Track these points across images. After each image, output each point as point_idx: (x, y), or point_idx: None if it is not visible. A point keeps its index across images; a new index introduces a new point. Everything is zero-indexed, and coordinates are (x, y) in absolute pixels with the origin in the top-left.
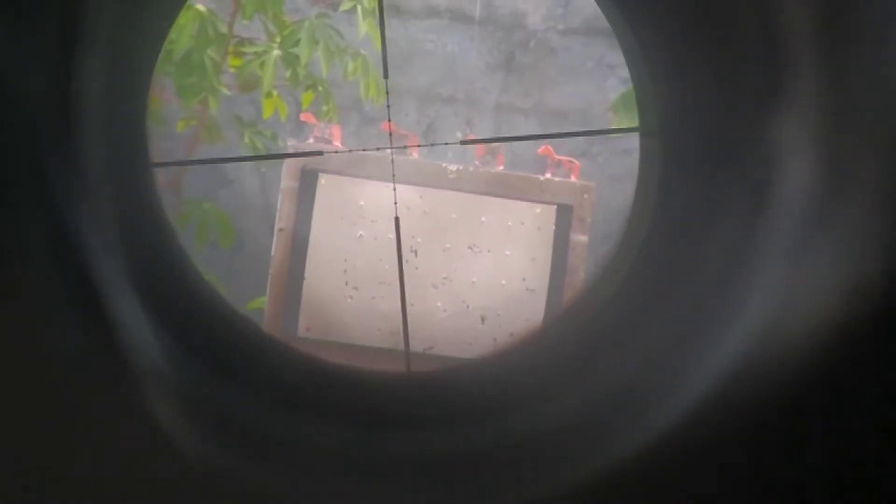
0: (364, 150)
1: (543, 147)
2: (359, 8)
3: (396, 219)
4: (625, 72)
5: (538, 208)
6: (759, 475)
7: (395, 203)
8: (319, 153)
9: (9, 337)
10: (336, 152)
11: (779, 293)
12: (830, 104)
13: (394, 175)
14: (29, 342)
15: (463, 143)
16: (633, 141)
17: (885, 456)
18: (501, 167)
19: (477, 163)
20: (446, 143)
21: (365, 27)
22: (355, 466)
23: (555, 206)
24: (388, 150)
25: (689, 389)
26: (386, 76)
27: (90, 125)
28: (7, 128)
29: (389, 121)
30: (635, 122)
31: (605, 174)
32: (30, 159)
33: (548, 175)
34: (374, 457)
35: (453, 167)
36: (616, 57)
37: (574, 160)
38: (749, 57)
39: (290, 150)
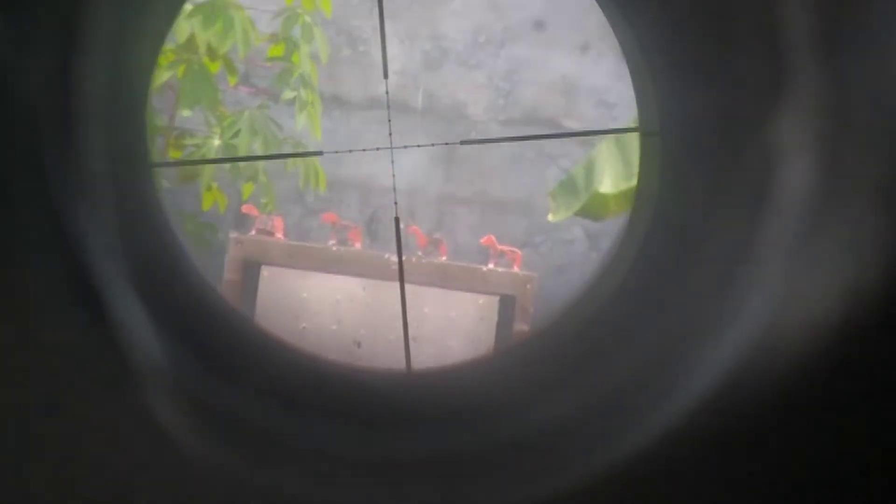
0: (364, 150)
1: (486, 237)
2: (298, 99)
3: (396, 219)
4: (566, 162)
5: (481, 299)
6: (759, 476)
7: (396, 203)
8: (320, 153)
9: (8, 337)
10: (344, 152)
11: (779, 293)
12: (831, 104)
13: (393, 176)
14: (28, 342)
15: (463, 142)
16: (576, 231)
17: (886, 456)
18: (444, 258)
19: (420, 253)
20: (446, 143)
21: (303, 118)
22: (355, 466)
23: (497, 297)
24: (330, 242)
25: (688, 389)
26: (386, 76)
27: (90, 125)
28: (7, 128)
29: (389, 121)
30: (571, 210)
31: (548, 264)
32: (30, 159)
33: (490, 265)
34: (374, 457)
35: (395, 258)
36: (556, 147)
37: (516, 250)
38: (749, 57)
39: (233, 241)
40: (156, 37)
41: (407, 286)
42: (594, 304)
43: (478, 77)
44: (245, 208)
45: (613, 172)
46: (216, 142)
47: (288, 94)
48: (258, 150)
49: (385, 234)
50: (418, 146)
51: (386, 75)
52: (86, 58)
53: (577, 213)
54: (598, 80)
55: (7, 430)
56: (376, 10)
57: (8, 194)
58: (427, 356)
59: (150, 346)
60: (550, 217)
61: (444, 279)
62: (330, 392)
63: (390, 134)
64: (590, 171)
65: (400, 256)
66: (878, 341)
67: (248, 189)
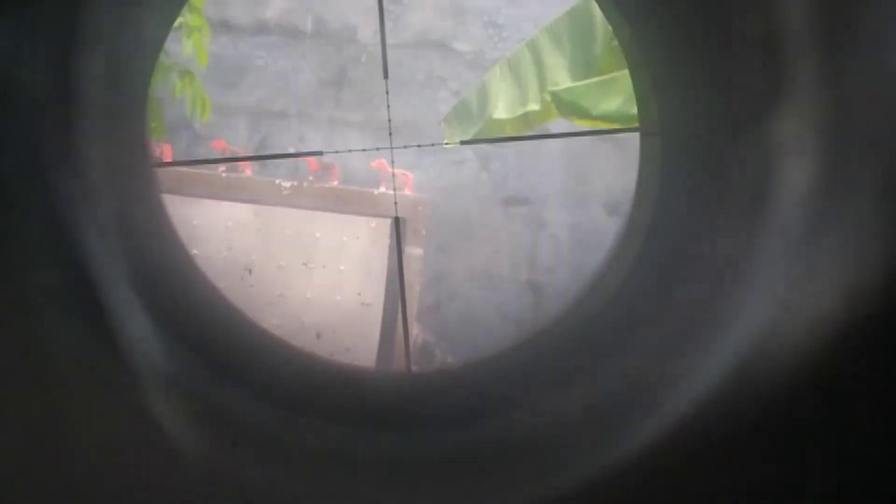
0: (364, 150)
1: (377, 161)
2: (183, 25)
3: (396, 219)
4: (456, 84)
5: (373, 222)
6: (760, 475)
7: (396, 203)
8: (320, 153)
9: (8, 337)
10: (344, 152)
11: (779, 293)
12: (830, 104)
13: (394, 176)
14: (29, 342)
15: (463, 143)
16: (466, 152)
17: (886, 455)
18: (336, 182)
19: (311, 178)
20: (445, 144)
21: (190, 45)
22: (355, 466)
23: (389, 220)
24: (220, 168)
25: (689, 389)
26: (386, 76)
27: (90, 125)
28: (7, 128)
29: (389, 120)
30: (466, 135)
31: (438, 186)
32: (30, 159)
33: (382, 189)
34: (375, 457)
35: (287, 183)
36: (446, 69)
37: (408, 173)
38: (749, 57)
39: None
40: (156, 37)
41: (298, 211)
42: (594, 304)
43: (367, 1)
44: None
45: (508, 97)
46: None
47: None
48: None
49: (275, 160)
50: (418, 146)
51: (386, 75)
52: (86, 58)
53: (471, 139)
54: (486, 2)
55: (7, 430)
56: None
57: (8, 194)
58: (318, 281)
59: (149, 346)
60: (445, 142)
61: (336, 203)
62: (330, 392)
63: (390, 134)
64: (483, 96)
65: (400, 256)
66: (878, 341)
67: None
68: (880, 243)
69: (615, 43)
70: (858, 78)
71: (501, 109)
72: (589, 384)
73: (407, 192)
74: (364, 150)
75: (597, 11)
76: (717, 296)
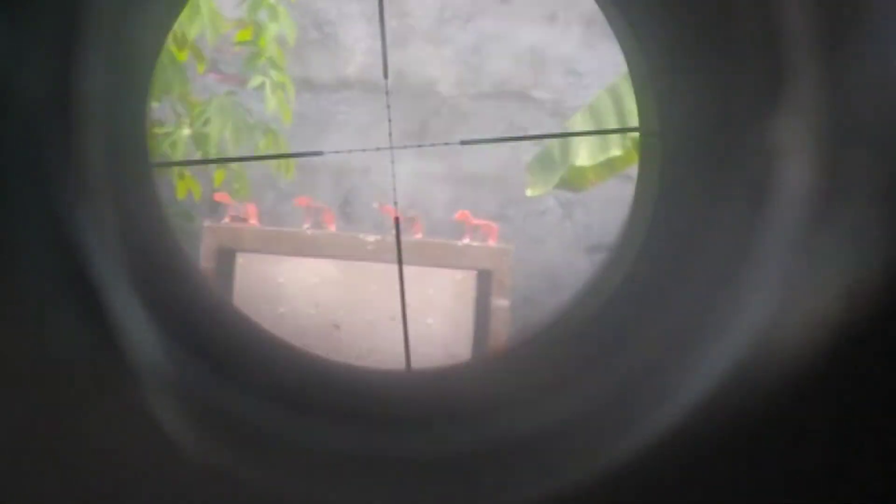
0: (364, 150)
1: (460, 212)
2: (267, 83)
3: (396, 219)
4: (536, 133)
5: (458, 274)
6: (759, 475)
7: (396, 203)
8: (320, 153)
9: (8, 337)
10: (344, 151)
11: (779, 293)
12: (830, 104)
13: (394, 176)
14: (28, 342)
15: (463, 142)
16: (549, 202)
17: (886, 455)
18: (419, 235)
19: (394, 232)
20: (446, 144)
21: (274, 102)
22: (355, 466)
23: (475, 272)
24: (305, 225)
25: (689, 389)
26: (386, 76)
27: (90, 125)
28: (7, 128)
29: (389, 121)
30: (550, 184)
31: (523, 236)
32: (30, 159)
33: (466, 240)
34: (375, 457)
35: (371, 238)
36: (526, 118)
37: (492, 223)
38: (749, 57)
39: (207, 230)
40: (156, 36)
41: (383, 266)
42: (594, 304)
43: (446, 52)
44: (218, 196)
45: (589, 144)
46: (186, 131)
47: (257, 80)
48: (228, 136)
49: (359, 215)
50: (419, 146)
51: (386, 75)
52: (86, 58)
53: (554, 187)
54: (566, 50)
55: (7, 430)
56: None
57: (8, 194)
58: (409, 335)
59: (149, 345)
60: (528, 192)
61: (421, 257)
62: (330, 392)
63: (390, 134)
64: (565, 143)
65: (400, 261)
66: (878, 341)
67: (219, 176)
68: (880, 243)
69: None
70: (858, 78)
71: (583, 157)
72: (589, 384)
73: (491, 243)
74: (364, 150)
75: None
76: (717, 295)
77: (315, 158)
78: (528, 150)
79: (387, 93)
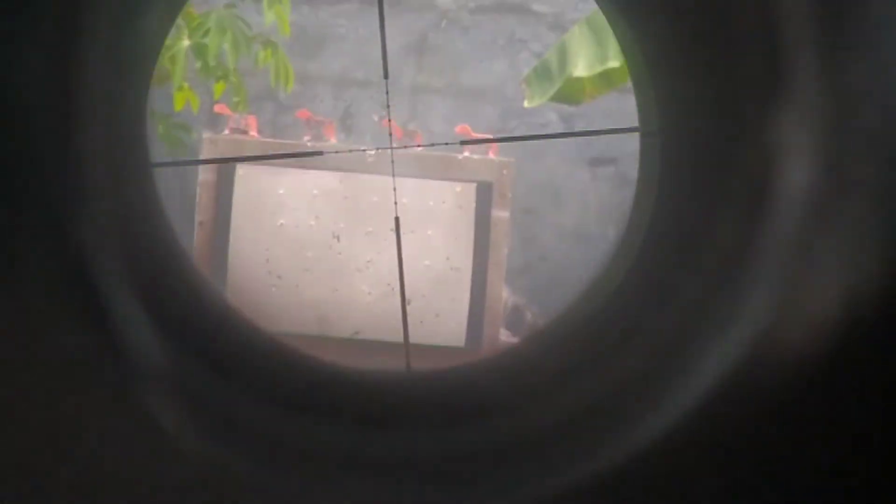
0: (365, 149)
1: (461, 126)
2: None
3: (396, 219)
4: (536, 46)
5: (458, 187)
6: (760, 474)
7: (396, 203)
8: (320, 153)
9: (9, 337)
10: (344, 151)
11: (779, 293)
12: (830, 104)
13: (394, 176)
14: (29, 342)
15: (463, 143)
16: (549, 115)
17: (886, 454)
18: (420, 148)
19: (395, 144)
20: (446, 143)
21: (272, 15)
22: (355, 466)
23: (474, 184)
24: (305, 137)
25: (689, 388)
26: (386, 76)
27: (90, 125)
28: (7, 128)
29: (389, 120)
30: (547, 95)
31: (523, 149)
32: (30, 159)
33: (466, 153)
34: (374, 457)
35: (371, 150)
36: (527, 31)
37: (492, 137)
38: (749, 57)
39: (207, 141)
40: (156, 36)
41: (384, 177)
42: (594, 303)
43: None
44: (218, 108)
45: (587, 55)
46: (185, 42)
47: None
48: (227, 48)
49: (359, 127)
50: (418, 146)
51: (386, 75)
52: (86, 57)
53: (552, 99)
54: None
55: (7, 429)
56: None
57: (8, 195)
58: (409, 246)
59: (149, 346)
60: (526, 103)
61: (421, 169)
62: (330, 392)
63: (390, 134)
64: (563, 55)
65: (399, 252)
66: (878, 341)
67: (219, 88)
68: (880, 243)
69: None
70: (858, 77)
71: (581, 67)
72: (589, 383)
73: (491, 155)
74: (364, 149)
75: None
76: (717, 295)
77: (315, 70)
78: (528, 63)
79: (387, 93)
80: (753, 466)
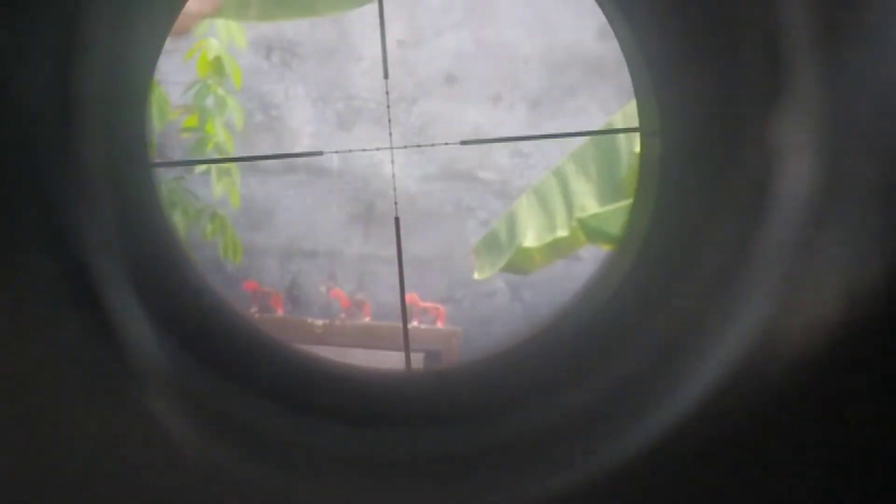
0: (364, 150)
1: (408, 296)
2: (213, 169)
3: (396, 219)
4: (483, 214)
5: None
6: (759, 476)
7: (396, 204)
8: (319, 153)
9: (7, 336)
10: (344, 151)
11: (779, 293)
12: (831, 104)
13: (394, 176)
14: (28, 342)
15: (463, 142)
16: (497, 283)
17: (887, 456)
18: (368, 318)
19: (343, 315)
20: (446, 143)
21: (220, 188)
22: (355, 466)
23: (423, 354)
24: (253, 309)
25: (689, 389)
26: (386, 76)
27: (90, 125)
28: (7, 128)
29: (389, 120)
30: (497, 266)
31: (471, 318)
32: (30, 159)
33: (414, 323)
34: (374, 457)
35: (319, 322)
36: (474, 199)
37: (439, 306)
38: (749, 57)
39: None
40: (156, 37)
41: (332, 349)
42: (594, 304)
43: (392, 135)
44: None
45: (536, 224)
46: None
47: (200, 167)
48: (179, 221)
49: (307, 299)
50: (418, 146)
51: (386, 75)
52: (86, 58)
53: (502, 269)
54: (510, 131)
55: (6, 429)
56: (287, 75)
57: (7, 195)
58: None
59: (149, 345)
60: (476, 275)
61: (370, 339)
62: (330, 392)
63: (390, 134)
64: (511, 225)
65: (400, 264)
66: (878, 341)
67: None
68: (880, 243)
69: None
70: (858, 78)
71: (530, 238)
72: (589, 384)
73: (439, 325)
74: (364, 150)
75: (620, 136)
76: (717, 295)
77: (262, 241)
78: (476, 232)
79: (387, 93)
80: (754, 466)
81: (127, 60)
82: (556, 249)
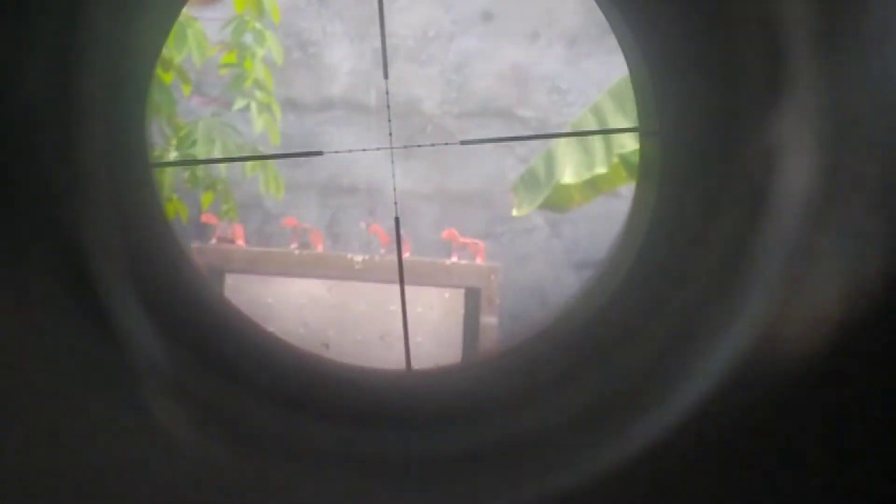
0: (370, 149)
1: (448, 231)
2: (253, 104)
3: (396, 219)
4: (523, 151)
5: (446, 293)
6: (760, 475)
7: (396, 203)
8: (320, 153)
9: (7, 337)
10: (344, 152)
11: (779, 293)
12: (830, 104)
13: (394, 176)
14: (28, 342)
15: (463, 142)
16: (536, 220)
17: (887, 456)
18: (407, 254)
19: (382, 251)
20: (446, 143)
21: (261, 123)
22: (355, 466)
23: (462, 290)
24: (292, 246)
25: (689, 389)
26: (386, 76)
27: (90, 125)
28: (7, 128)
29: (389, 121)
30: (535, 203)
31: (510, 254)
32: (30, 159)
33: (454, 259)
34: (374, 457)
35: (359, 258)
36: (511, 136)
37: (479, 242)
38: (749, 57)
39: (195, 251)
40: (156, 36)
41: (372, 285)
42: (594, 304)
43: (430, 72)
44: (205, 217)
45: (574, 162)
46: (173, 153)
47: (240, 102)
48: (218, 155)
49: (346, 235)
50: (418, 146)
51: (386, 75)
52: (86, 58)
53: (540, 207)
54: (549, 68)
55: (6, 429)
56: (323, 11)
57: (8, 194)
58: (397, 353)
59: (150, 345)
60: (514, 212)
61: (409, 275)
62: (330, 392)
63: (390, 134)
64: (550, 162)
65: (400, 260)
66: (878, 341)
67: (207, 198)
68: (880, 243)
69: None
70: (858, 78)
71: (568, 174)
72: (589, 384)
73: (479, 261)
74: (364, 150)
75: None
76: (717, 295)
77: (302, 178)
78: (514, 168)
79: (387, 92)
80: (754, 467)
81: (127, 60)
82: (594, 186)
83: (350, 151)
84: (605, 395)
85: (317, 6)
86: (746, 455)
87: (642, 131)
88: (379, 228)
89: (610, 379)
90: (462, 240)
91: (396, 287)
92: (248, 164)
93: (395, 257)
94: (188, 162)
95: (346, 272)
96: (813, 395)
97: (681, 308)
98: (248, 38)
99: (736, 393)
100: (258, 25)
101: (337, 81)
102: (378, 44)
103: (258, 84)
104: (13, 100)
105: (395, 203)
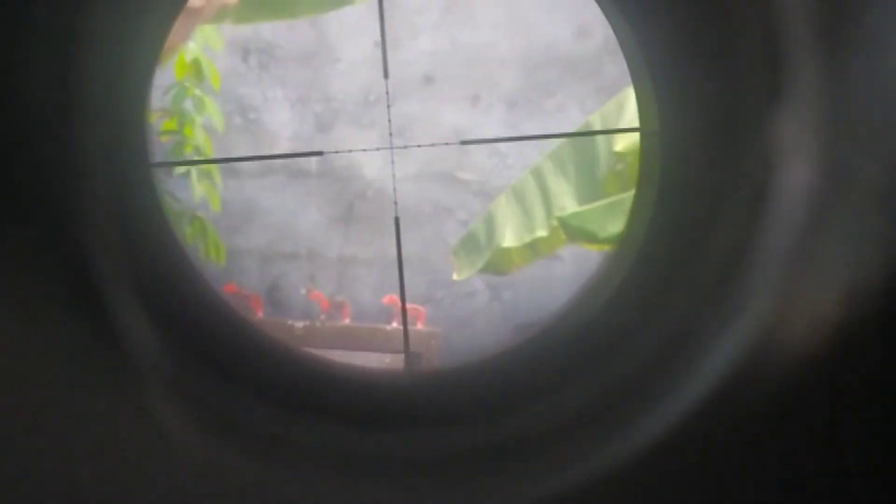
0: (364, 150)
1: (388, 297)
2: (193, 171)
3: (396, 219)
4: (463, 214)
5: (387, 358)
6: (759, 476)
7: (396, 202)
8: (320, 153)
9: (7, 337)
10: (336, 152)
11: (779, 293)
12: (831, 104)
13: (394, 176)
14: (28, 343)
15: (463, 142)
16: (476, 284)
17: (886, 456)
18: (347, 320)
19: (323, 317)
20: (446, 143)
21: (201, 189)
22: (355, 466)
23: (402, 355)
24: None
25: (689, 389)
26: (386, 76)
27: (90, 125)
28: (8, 127)
29: (389, 121)
30: (476, 267)
31: (451, 318)
32: (30, 159)
33: (394, 324)
34: (374, 457)
35: (300, 324)
36: (452, 200)
37: (419, 307)
38: (749, 57)
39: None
40: (156, 36)
41: (312, 351)
42: (594, 304)
43: (370, 136)
44: None
45: (514, 226)
46: None
47: (180, 169)
48: None
49: (287, 301)
50: (418, 146)
51: (386, 75)
52: (86, 58)
53: (481, 270)
54: (489, 131)
55: (6, 429)
56: (264, 77)
57: (8, 194)
58: None
59: (150, 345)
60: (455, 276)
61: (350, 341)
62: (330, 392)
63: (390, 134)
64: (490, 226)
65: (400, 261)
66: (878, 341)
67: None
68: (880, 243)
69: (619, 167)
70: (859, 78)
71: (509, 238)
72: (589, 384)
73: (419, 326)
74: (364, 150)
75: (598, 136)
76: (717, 295)
77: (242, 244)
78: (455, 232)
79: (387, 92)
80: (754, 466)
81: (127, 60)
82: (535, 249)
83: (350, 151)
84: (605, 396)
85: (257, 72)
86: (746, 456)
87: (642, 131)
88: (320, 295)
89: (609, 380)
90: (402, 305)
91: (337, 353)
92: (189, 230)
93: (336, 323)
94: (188, 162)
95: (287, 338)
96: (813, 395)
97: (681, 309)
98: (188, 105)
99: (736, 394)
100: (198, 92)
101: (278, 146)
102: (319, 108)
103: (198, 150)
104: (13, 100)
105: (395, 203)
